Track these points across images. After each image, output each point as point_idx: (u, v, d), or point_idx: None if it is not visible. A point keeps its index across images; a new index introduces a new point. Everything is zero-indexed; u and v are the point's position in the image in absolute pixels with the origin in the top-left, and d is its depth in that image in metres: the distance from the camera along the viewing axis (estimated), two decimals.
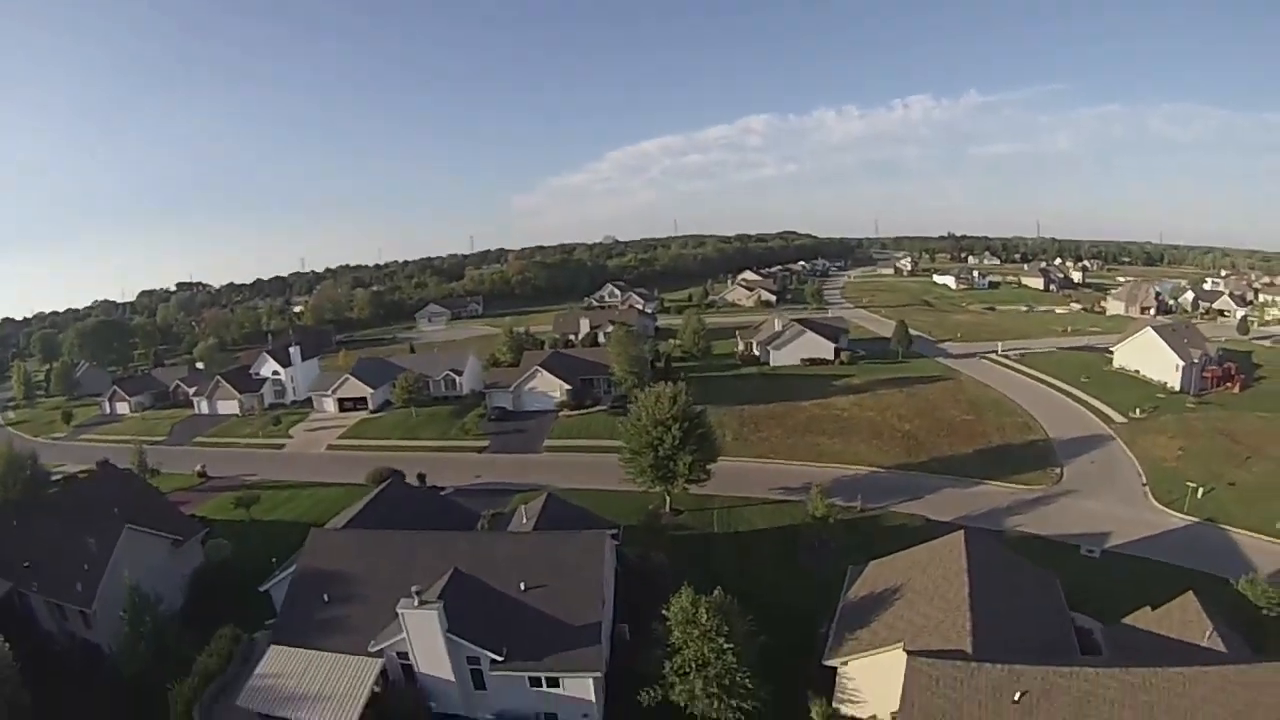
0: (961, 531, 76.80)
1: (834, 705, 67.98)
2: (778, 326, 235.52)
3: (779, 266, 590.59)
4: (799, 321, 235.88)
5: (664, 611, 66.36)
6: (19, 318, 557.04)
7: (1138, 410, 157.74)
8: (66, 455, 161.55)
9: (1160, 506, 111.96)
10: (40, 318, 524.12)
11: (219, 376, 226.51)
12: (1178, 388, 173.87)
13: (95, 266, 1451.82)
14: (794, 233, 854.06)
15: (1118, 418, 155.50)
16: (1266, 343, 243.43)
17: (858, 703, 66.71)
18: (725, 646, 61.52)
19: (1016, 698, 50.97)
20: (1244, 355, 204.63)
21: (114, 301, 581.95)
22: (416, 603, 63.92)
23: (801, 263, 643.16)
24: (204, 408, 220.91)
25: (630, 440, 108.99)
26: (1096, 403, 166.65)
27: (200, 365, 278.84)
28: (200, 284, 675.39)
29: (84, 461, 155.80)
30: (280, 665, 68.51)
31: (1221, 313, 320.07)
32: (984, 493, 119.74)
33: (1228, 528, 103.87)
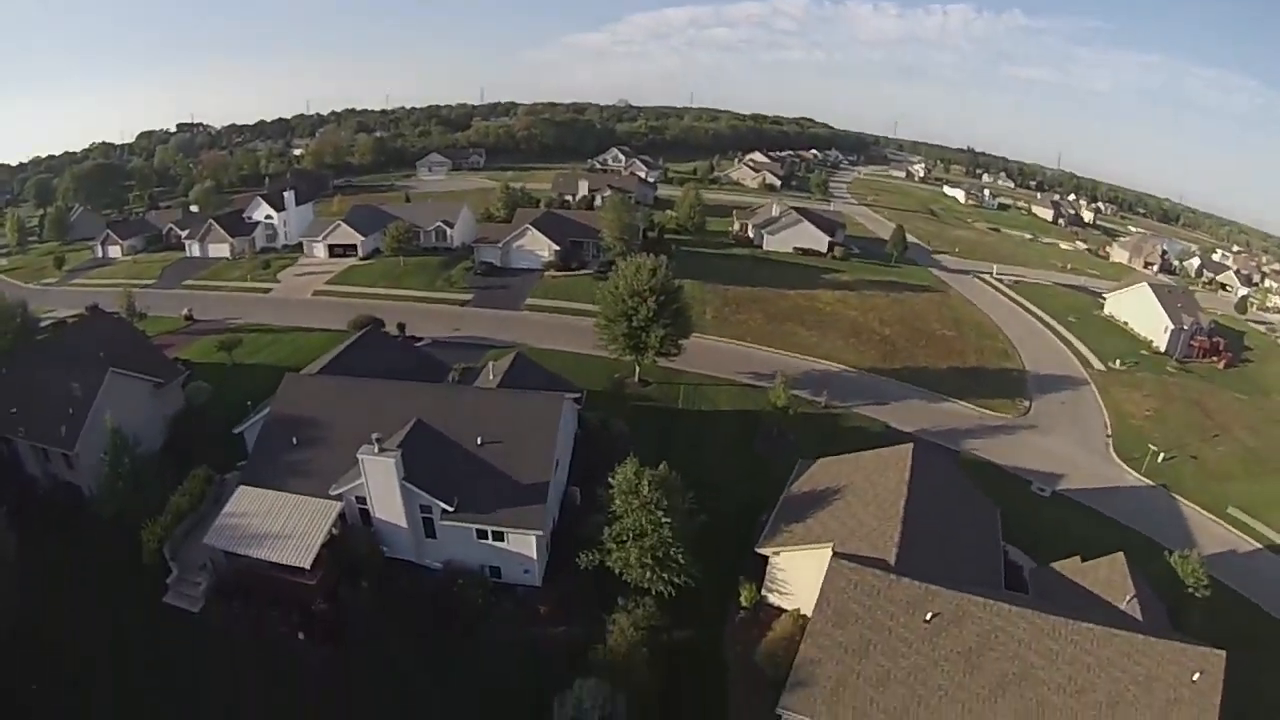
0: (911, 445, 78.76)
1: (762, 593, 70.74)
2: (775, 212, 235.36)
3: (789, 152, 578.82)
4: (797, 209, 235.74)
5: (609, 479, 68.51)
6: (14, 163, 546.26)
7: (1118, 362, 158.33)
8: (58, 301, 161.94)
9: (1119, 461, 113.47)
10: (36, 162, 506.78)
11: (211, 219, 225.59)
12: (1163, 349, 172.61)
13: (94, 107, 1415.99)
14: (811, 120, 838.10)
15: (1097, 364, 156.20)
16: (1261, 327, 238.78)
17: (784, 594, 69.52)
18: (663, 520, 63.87)
19: (928, 617, 52.90)
20: (1236, 334, 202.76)
21: (112, 144, 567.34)
22: (376, 450, 66.23)
23: (814, 151, 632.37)
24: (195, 251, 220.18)
25: (606, 308, 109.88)
26: (1079, 345, 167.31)
27: (195, 208, 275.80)
28: (201, 125, 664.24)
29: (75, 306, 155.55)
30: (246, 505, 70.76)
31: (1224, 286, 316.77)
32: (950, 410, 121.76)
33: (1180, 499, 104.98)
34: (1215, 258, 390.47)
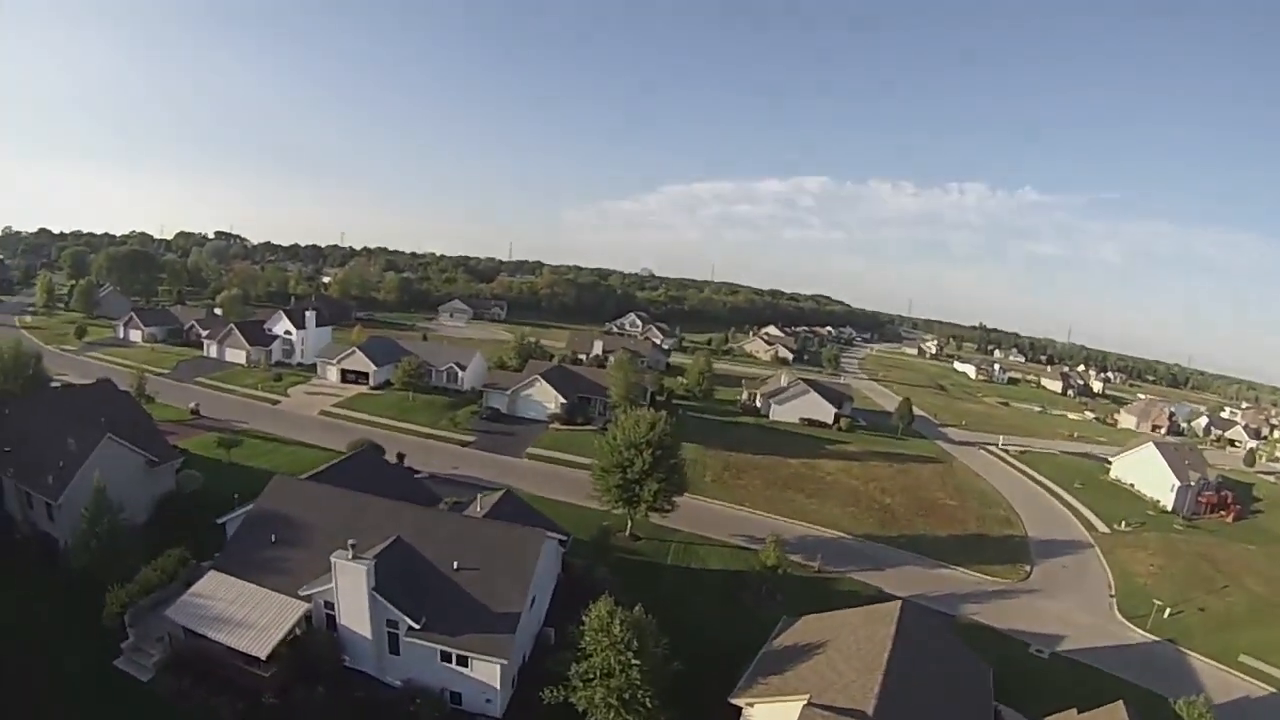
0: (899, 601, 77.59)
1: None
2: (783, 382, 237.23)
3: (805, 327, 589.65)
4: (805, 380, 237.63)
5: (583, 617, 67.22)
6: (56, 231, 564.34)
7: (1123, 523, 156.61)
8: (71, 367, 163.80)
9: (1123, 620, 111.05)
10: (76, 235, 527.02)
11: (233, 325, 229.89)
12: (1170, 508, 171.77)
13: (139, 198, 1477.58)
14: (828, 297, 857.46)
15: (1102, 527, 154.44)
16: (1271, 478, 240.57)
17: None
18: (633, 662, 62.45)
19: None
20: (1245, 486, 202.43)
21: (151, 236, 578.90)
22: (350, 555, 66.19)
23: (829, 328, 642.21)
24: (213, 351, 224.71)
25: (602, 458, 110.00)
26: (1084, 510, 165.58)
27: (219, 311, 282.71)
28: (237, 236, 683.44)
29: (86, 376, 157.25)
30: (214, 589, 71.88)
31: (1232, 442, 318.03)
32: (947, 576, 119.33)
33: (1187, 651, 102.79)
34: (1224, 415, 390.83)
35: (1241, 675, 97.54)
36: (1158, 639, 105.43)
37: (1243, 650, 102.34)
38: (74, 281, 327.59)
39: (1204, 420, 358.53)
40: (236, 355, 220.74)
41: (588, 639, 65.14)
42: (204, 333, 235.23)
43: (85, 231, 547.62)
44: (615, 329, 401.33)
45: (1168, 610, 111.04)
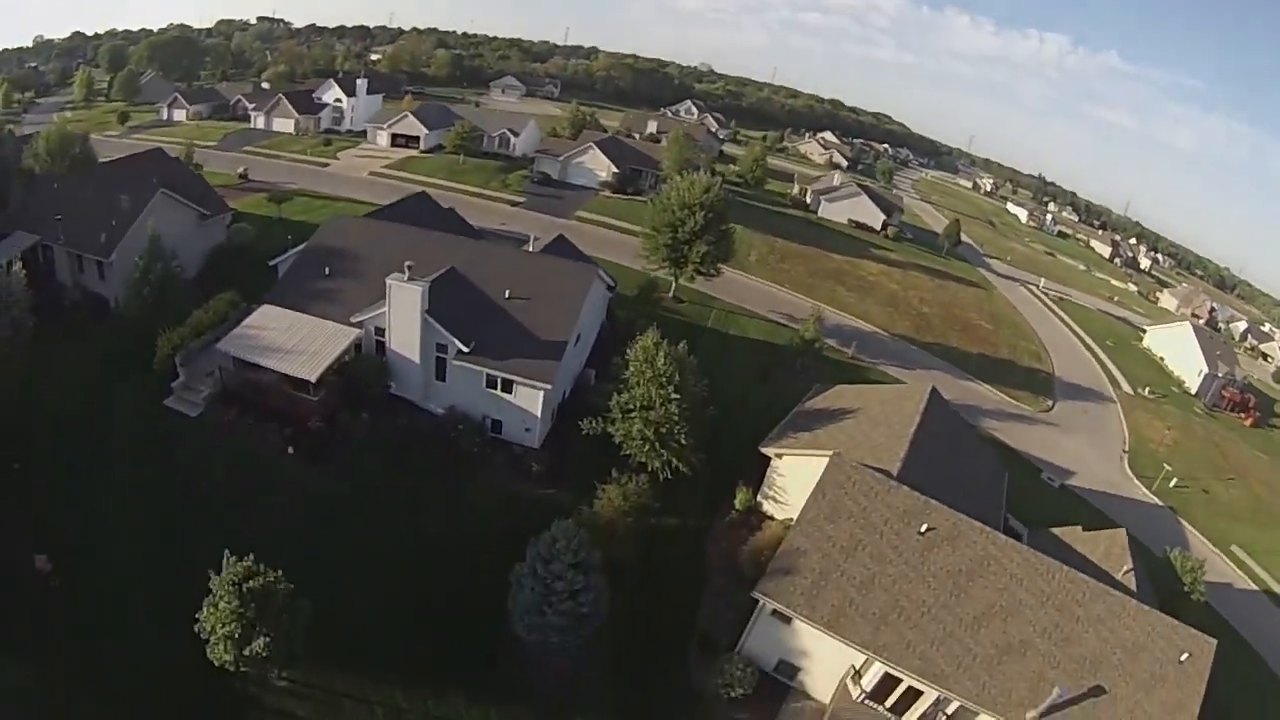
0: (930, 384, 78.38)
1: (757, 499, 71.01)
2: (836, 181, 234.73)
3: (861, 140, 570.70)
4: (858, 184, 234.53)
5: (626, 351, 69.21)
6: (90, 33, 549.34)
7: (1147, 390, 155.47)
8: (115, 151, 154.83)
9: (1131, 474, 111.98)
10: (111, 34, 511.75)
11: (280, 94, 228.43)
12: (1194, 391, 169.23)
13: None
14: (888, 116, 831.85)
15: (1126, 388, 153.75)
16: None
17: (779, 502, 69.68)
18: (673, 395, 63.95)
19: (923, 530, 52.56)
20: (1269, 400, 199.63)
21: (189, 26, 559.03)
22: (406, 276, 66.65)
23: (886, 146, 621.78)
24: (260, 122, 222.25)
25: (654, 217, 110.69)
26: (1112, 367, 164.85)
27: (266, 85, 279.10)
28: (281, 19, 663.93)
29: None
30: (266, 321, 72.56)
31: (1265, 355, 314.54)
32: (973, 389, 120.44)
33: (1185, 524, 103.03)
34: (1264, 329, 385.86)
35: (1231, 564, 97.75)
36: (1160, 503, 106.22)
37: (1236, 542, 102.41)
38: (113, 75, 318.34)
39: (1243, 325, 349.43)
40: (284, 124, 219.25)
41: (631, 370, 66.82)
42: (250, 105, 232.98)
43: (120, 29, 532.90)
44: (670, 113, 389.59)
45: (1174, 480, 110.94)
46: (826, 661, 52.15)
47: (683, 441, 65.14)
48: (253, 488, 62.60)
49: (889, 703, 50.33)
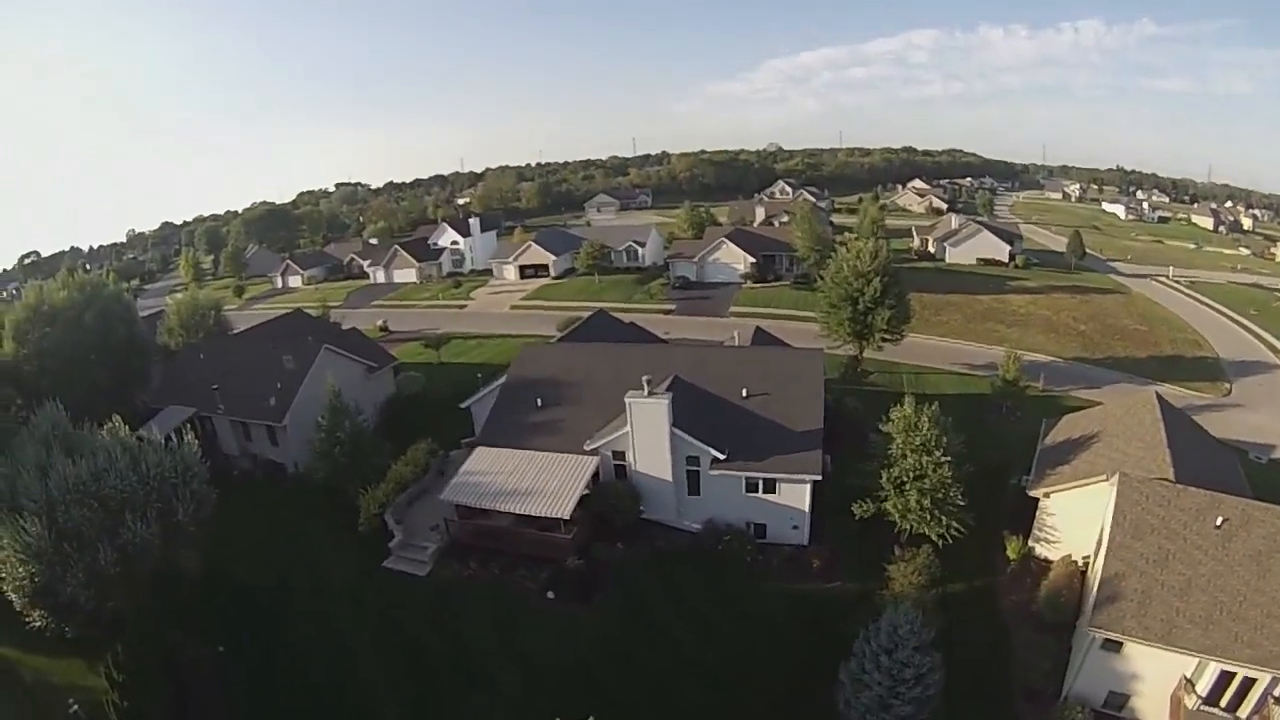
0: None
1: (1029, 544, 69.74)
2: (955, 224, 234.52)
3: (947, 180, 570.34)
4: (976, 221, 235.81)
5: (880, 426, 68.30)
6: (179, 221, 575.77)
7: None
8: (241, 323, 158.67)
9: None
10: (200, 220, 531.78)
11: (396, 245, 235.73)
12: None
13: (252, 172, 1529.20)
14: (960, 150, 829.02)
15: None
16: None
17: (1052, 543, 68.29)
18: (942, 459, 63.02)
19: (1218, 523, 52.23)
20: None
21: (273, 202, 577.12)
22: (646, 392, 65.75)
23: (968, 179, 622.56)
24: (380, 277, 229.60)
25: (830, 292, 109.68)
26: (1265, 334, 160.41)
27: (374, 241, 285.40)
28: (359, 183, 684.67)
29: None
30: (488, 463, 71.97)
31: None
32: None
33: None
34: None
35: None
36: None
37: None
38: (213, 256, 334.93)
39: None
40: (406, 275, 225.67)
41: (897, 441, 65.60)
42: (365, 262, 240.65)
43: (208, 215, 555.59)
44: (766, 197, 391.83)
45: None
46: (1156, 680, 51.74)
47: (960, 504, 64.29)
48: (516, 638, 61.52)
49: (1223, 702, 49.69)
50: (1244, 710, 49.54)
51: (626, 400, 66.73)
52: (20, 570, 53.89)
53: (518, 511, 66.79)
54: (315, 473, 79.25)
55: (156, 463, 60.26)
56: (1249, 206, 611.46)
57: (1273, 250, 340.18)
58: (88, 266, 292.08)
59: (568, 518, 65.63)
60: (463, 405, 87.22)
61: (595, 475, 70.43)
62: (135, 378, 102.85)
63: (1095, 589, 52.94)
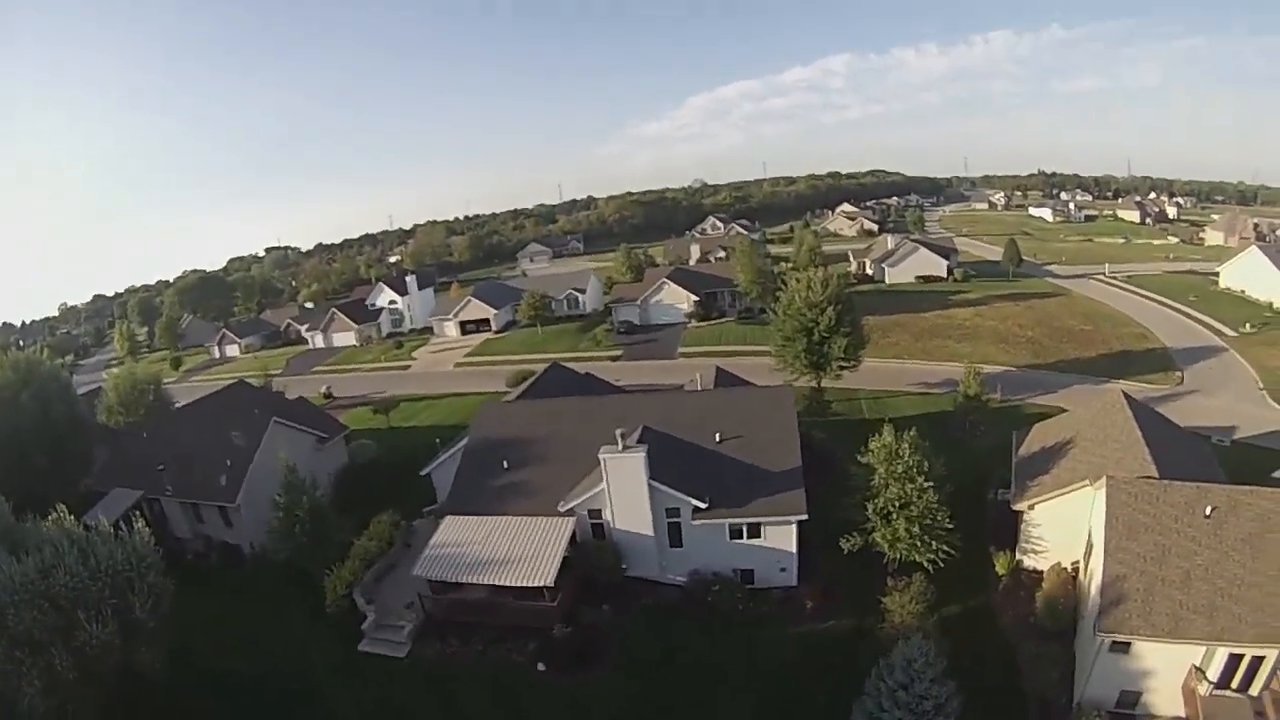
0: (1120, 389, 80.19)
1: (1017, 558, 69.32)
2: (891, 245, 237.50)
3: (874, 201, 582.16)
4: (912, 240, 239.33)
5: (859, 457, 67.27)
6: (110, 293, 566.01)
7: (1248, 325, 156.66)
8: (181, 396, 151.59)
9: (1278, 406, 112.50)
10: (132, 291, 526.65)
11: (333, 308, 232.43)
12: None
13: (177, 243, 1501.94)
14: (884, 170, 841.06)
15: (1229, 332, 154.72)
16: None
17: (1040, 553, 68.07)
18: (925, 485, 62.16)
19: (1208, 512, 52.70)
20: None
21: (205, 270, 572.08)
22: (620, 447, 63.53)
23: (895, 198, 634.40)
24: (319, 341, 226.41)
25: (783, 325, 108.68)
26: (1206, 319, 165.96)
27: (309, 305, 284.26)
28: (289, 246, 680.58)
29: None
30: (458, 533, 68.36)
31: None
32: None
33: None
34: None
35: None
36: None
37: None
38: (147, 327, 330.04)
39: None
40: (345, 338, 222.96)
41: (880, 471, 64.47)
42: (303, 327, 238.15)
43: (139, 285, 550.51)
44: (698, 234, 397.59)
45: None
46: (1167, 673, 51.52)
47: (948, 527, 63.43)
48: (516, 716, 58.43)
49: (1234, 684, 50.12)
50: (1255, 688, 49.95)
51: (601, 456, 64.29)
52: None
53: (498, 583, 63.73)
54: (276, 554, 75.45)
55: (108, 555, 56.10)
56: (1172, 195, 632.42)
57: (1201, 235, 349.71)
58: (20, 343, 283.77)
59: (550, 584, 62.54)
60: (423, 472, 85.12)
61: (573, 537, 67.75)
62: (77, 460, 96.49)
63: (1097, 593, 52.88)
